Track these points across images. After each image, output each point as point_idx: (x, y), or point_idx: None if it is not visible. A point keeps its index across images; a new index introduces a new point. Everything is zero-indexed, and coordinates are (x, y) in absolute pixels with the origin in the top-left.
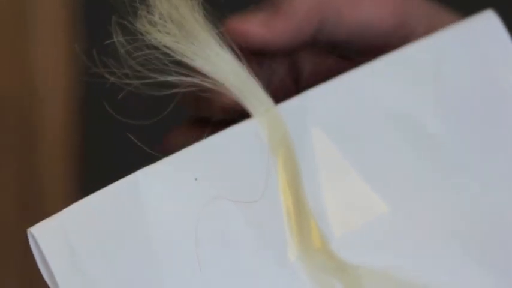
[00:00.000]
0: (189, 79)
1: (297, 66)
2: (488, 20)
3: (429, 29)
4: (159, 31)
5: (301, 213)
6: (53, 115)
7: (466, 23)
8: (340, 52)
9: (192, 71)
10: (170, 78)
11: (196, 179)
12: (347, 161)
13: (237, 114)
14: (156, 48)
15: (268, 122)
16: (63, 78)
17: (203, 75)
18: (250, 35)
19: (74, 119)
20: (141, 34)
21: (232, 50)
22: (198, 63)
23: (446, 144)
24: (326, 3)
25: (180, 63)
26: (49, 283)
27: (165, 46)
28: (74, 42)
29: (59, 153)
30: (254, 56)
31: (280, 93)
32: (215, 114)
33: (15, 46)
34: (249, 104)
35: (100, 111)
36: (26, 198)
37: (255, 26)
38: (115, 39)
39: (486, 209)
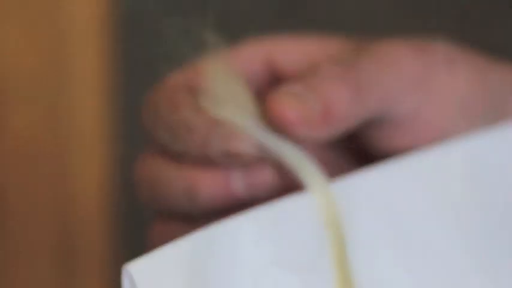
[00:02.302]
0: (250, 150)
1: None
2: None
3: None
4: (220, 106)
5: None
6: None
7: (500, 129)
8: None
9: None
10: (222, 147)
11: (257, 242)
12: (391, 241)
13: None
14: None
15: (321, 199)
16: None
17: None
18: (289, 127)
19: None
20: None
21: None
22: (258, 138)
23: (481, 237)
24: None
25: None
26: None
27: (225, 120)
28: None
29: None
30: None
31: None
32: (256, 189)
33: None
34: (305, 179)
35: None
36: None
37: (297, 120)
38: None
39: None
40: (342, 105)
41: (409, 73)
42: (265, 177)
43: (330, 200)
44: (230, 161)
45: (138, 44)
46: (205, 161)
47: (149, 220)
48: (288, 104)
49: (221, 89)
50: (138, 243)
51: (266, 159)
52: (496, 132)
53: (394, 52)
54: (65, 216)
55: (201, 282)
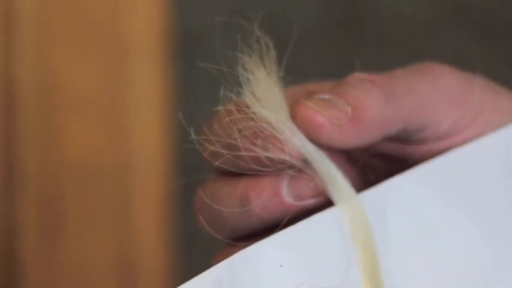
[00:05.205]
0: (282, 156)
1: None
2: None
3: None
4: (263, 106)
5: None
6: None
7: None
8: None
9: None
10: (265, 154)
11: (281, 266)
12: (425, 250)
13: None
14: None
15: (349, 211)
16: (159, 147)
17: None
18: (318, 130)
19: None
20: (246, 107)
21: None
22: (294, 144)
23: None
24: (400, 112)
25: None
26: None
27: (266, 121)
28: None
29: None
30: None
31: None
32: (304, 195)
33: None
34: (333, 191)
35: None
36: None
37: (325, 123)
38: (220, 109)
39: None
40: (373, 109)
41: (448, 86)
42: (312, 187)
43: (358, 210)
44: (274, 167)
45: (200, 60)
46: (256, 172)
47: (209, 243)
48: (315, 107)
49: (262, 93)
50: (197, 265)
51: (310, 168)
52: None
53: (431, 66)
54: (123, 233)
55: None
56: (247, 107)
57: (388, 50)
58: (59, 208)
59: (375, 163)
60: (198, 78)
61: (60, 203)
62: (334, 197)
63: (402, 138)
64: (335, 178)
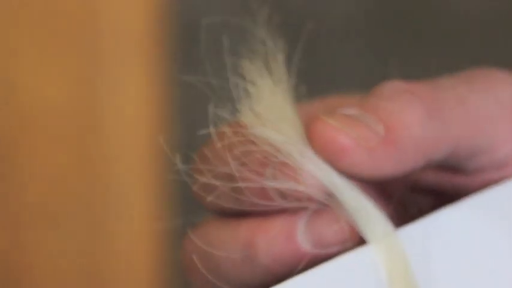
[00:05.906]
0: (297, 188)
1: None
2: None
3: None
4: (264, 125)
5: None
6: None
7: None
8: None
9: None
10: (274, 185)
11: None
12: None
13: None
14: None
15: (386, 251)
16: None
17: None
18: (342, 155)
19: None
20: (243, 127)
21: None
22: (311, 172)
23: None
24: (442, 137)
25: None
26: None
27: (269, 143)
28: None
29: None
30: None
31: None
32: (326, 241)
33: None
34: (365, 227)
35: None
36: None
37: (350, 145)
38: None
39: None
40: (413, 127)
41: (509, 99)
42: (337, 230)
43: (396, 249)
44: (286, 203)
45: (198, 64)
46: (263, 210)
47: None
48: (338, 125)
49: (266, 107)
50: None
51: (333, 203)
52: None
53: (486, 72)
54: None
55: None
56: (246, 127)
57: (434, 51)
58: (17, 257)
59: (416, 197)
60: (197, 88)
61: (18, 249)
62: (367, 233)
63: (450, 165)
64: (367, 210)
